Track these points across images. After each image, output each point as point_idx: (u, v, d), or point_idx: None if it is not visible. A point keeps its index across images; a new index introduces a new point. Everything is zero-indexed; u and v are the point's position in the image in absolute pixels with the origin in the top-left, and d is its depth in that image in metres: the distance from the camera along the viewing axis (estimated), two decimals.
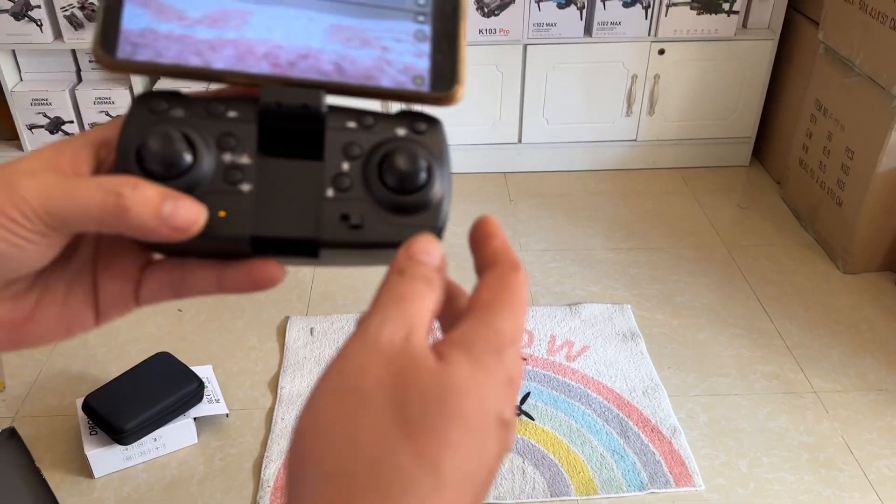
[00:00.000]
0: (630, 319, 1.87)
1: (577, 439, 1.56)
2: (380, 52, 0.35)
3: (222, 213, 0.32)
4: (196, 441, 1.54)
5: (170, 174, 0.32)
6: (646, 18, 2.28)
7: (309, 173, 0.34)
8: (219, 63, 0.34)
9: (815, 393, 1.68)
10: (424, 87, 0.35)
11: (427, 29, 0.36)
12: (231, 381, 1.68)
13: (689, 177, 2.50)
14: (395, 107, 0.36)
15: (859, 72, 1.95)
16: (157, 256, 0.37)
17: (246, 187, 0.33)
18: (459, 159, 2.39)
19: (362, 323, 0.30)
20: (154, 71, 0.33)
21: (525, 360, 1.75)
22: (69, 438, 1.55)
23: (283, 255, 0.35)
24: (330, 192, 0.34)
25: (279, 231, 0.33)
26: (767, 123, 2.51)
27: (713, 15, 2.29)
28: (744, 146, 2.53)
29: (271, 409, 1.62)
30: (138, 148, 0.32)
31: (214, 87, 0.36)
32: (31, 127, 2.33)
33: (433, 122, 0.36)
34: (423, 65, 0.36)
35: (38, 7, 2.16)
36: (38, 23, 2.18)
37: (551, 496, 1.46)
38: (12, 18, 2.17)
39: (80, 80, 2.35)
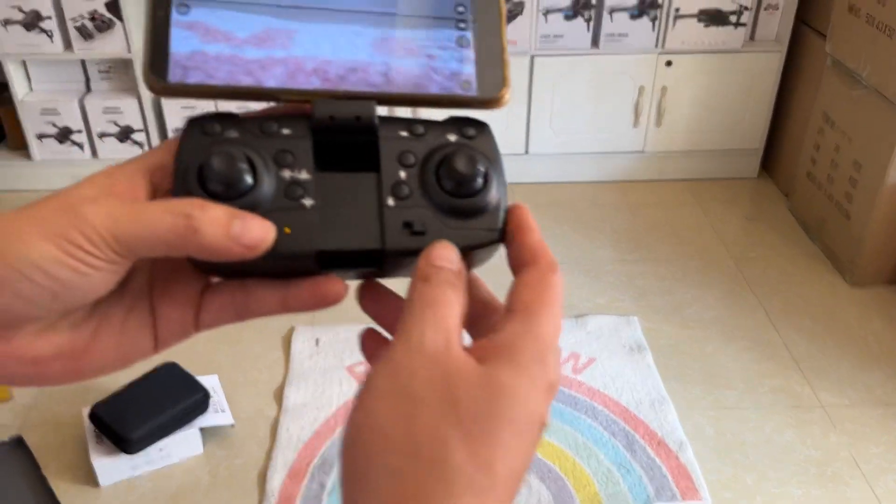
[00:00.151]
0: (637, 331, 1.86)
1: (583, 452, 1.55)
2: (426, 61, 0.36)
3: (287, 230, 0.32)
4: (202, 451, 1.55)
5: (232, 194, 0.32)
6: (653, 30, 2.28)
7: (367, 184, 0.34)
8: (270, 81, 0.34)
9: (822, 407, 1.67)
10: (472, 92, 0.36)
11: (469, 35, 0.37)
12: (236, 391, 1.68)
13: (697, 188, 2.49)
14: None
15: (867, 85, 1.94)
16: (215, 279, 0.36)
17: (308, 202, 0.33)
18: None
19: (403, 331, 0.31)
20: (206, 93, 0.34)
21: None
22: (75, 447, 1.55)
23: (346, 269, 0.35)
24: (390, 202, 0.34)
25: (344, 244, 0.33)
26: (775, 135, 2.50)
27: (720, 27, 2.29)
28: (752, 158, 2.53)
29: (276, 420, 1.62)
30: (199, 170, 0.32)
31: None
32: (40, 136, 2.34)
33: (481, 126, 0.36)
34: (468, 70, 0.36)
35: (49, 18, 2.18)
36: (49, 33, 2.20)
37: None
38: (23, 29, 2.19)
39: (88, 89, 2.36)
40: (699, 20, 2.27)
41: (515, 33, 2.26)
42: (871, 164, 1.94)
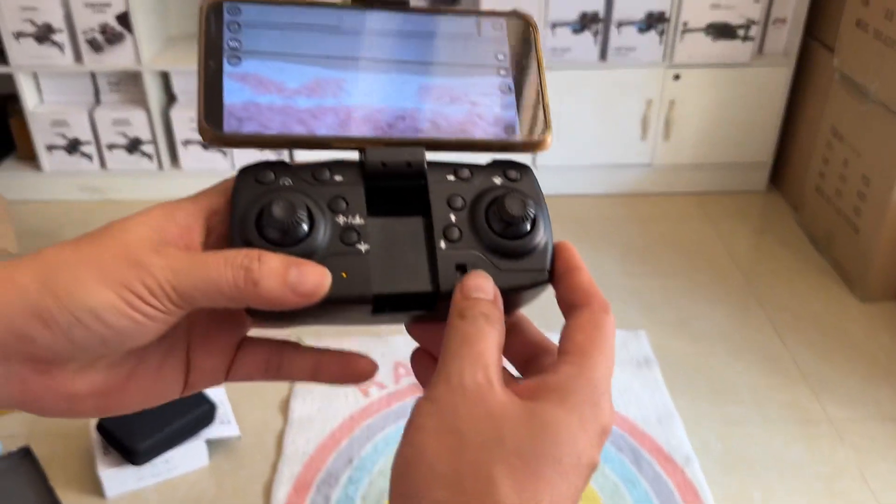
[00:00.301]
0: (644, 345, 1.86)
1: None
2: (469, 107, 0.37)
3: (344, 274, 0.33)
4: (207, 463, 1.55)
5: (290, 241, 0.33)
6: (661, 44, 2.29)
7: (416, 228, 0.35)
8: (322, 130, 0.35)
9: (830, 422, 1.66)
10: (516, 136, 0.37)
11: (510, 81, 0.38)
12: (243, 403, 1.68)
13: (705, 202, 2.49)
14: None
15: (875, 99, 1.94)
16: (251, 333, 0.37)
17: (363, 247, 0.34)
18: None
19: (443, 370, 0.31)
20: (261, 142, 0.34)
21: None
22: (82, 458, 1.55)
23: (399, 311, 0.35)
24: (442, 244, 0.35)
25: (400, 287, 0.34)
26: (784, 149, 2.50)
27: (728, 41, 2.29)
28: (760, 172, 2.52)
29: (282, 432, 1.62)
30: (257, 217, 0.33)
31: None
32: (50, 147, 2.36)
33: (524, 168, 0.38)
34: (511, 115, 0.38)
35: (61, 31, 2.19)
36: (60, 46, 2.22)
37: None
38: (35, 42, 2.21)
39: (98, 101, 2.38)
40: (707, 34, 2.28)
41: None
42: (879, 179, 1.94)
